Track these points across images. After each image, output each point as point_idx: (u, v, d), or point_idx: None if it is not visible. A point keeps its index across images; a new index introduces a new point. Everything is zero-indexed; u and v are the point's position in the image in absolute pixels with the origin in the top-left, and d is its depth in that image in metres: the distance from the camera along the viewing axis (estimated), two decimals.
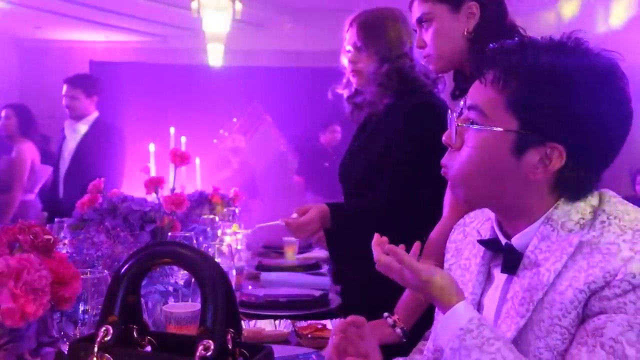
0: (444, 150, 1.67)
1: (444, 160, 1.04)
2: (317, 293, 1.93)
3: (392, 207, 1.81)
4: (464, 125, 0.98)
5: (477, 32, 1.53)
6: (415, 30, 1.63)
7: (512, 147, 0.93)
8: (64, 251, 1.47)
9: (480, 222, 1.12)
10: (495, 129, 0.94)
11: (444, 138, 1.03)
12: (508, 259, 0.99)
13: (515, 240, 0.99)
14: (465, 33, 1.53)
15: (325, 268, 2.57)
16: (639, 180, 5.25)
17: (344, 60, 2.04)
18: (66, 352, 0.73)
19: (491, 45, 0.99)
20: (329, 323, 1.64)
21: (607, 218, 0.93)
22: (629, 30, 5.44)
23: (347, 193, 2.05)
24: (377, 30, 1.94)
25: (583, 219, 0.94)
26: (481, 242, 1.06)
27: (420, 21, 1.58)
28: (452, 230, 1.21)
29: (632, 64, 1.09)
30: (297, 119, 6.78)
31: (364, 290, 1.89)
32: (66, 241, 1.72)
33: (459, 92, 1.72)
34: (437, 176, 1.76)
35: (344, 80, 2.08)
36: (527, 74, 0.92)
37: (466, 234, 1.15)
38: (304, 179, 6.25)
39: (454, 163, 1.01)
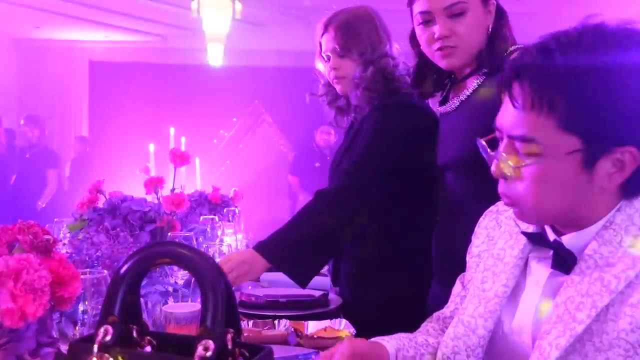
0: (410, 153, 1.65)
1: (502, 190, 0.95)
2: (317, 293, 1.92)
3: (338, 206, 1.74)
4: (523, 162, 0.89)
5: (494, 30, 1.49)
6: (427, 20, 1.51)
7: (580, 165, 0.87)
8: (64, 251, 1.47)
9: None
10: (557, 155, 0.87)
11: (493, 170, 0.94)
12: (559, 256, 0.94)
13: (568, 239, 0.94)
14: (489, 30, 1.49)
15: (325, 268, 2.57)
16: None
17: (320, 66, 1.98)
18: (66, 353, 0.73)
19: (508, 58, 0.94)
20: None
21: None
22: None
23: None
24: (355, 33, 1.85)
25: None
26: (526, 234, 1.00)
27: (449, 10, 1.47)
28: (483, 216, 1.16)
29: None
30: (297, 119, 6.79)
31: (358, 290, 1.90)
32: (66, 241, 1.73)
33: (423, 92, 1.69)
34: (399, 179, 1.76)
35: (321, 85, 2.02)
36: (572, 87, 0.84)
37: (500, 223, 1.10)
38: (298, 179, 6.25)
39: (518, 192, 0.93)
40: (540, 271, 0.98)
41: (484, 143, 0.96)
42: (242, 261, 1.64)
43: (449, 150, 1.55)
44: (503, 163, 0.92)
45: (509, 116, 0.91)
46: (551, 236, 0.97)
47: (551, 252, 0.96)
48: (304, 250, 1.69)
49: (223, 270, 0.69)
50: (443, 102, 1.62)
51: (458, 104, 1.55)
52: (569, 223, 0.94)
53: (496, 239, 1.09)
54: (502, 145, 0.93)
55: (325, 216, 1.73)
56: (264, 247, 1.68)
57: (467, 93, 1.52)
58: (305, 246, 1.69)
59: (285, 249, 1.68)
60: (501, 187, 0.96)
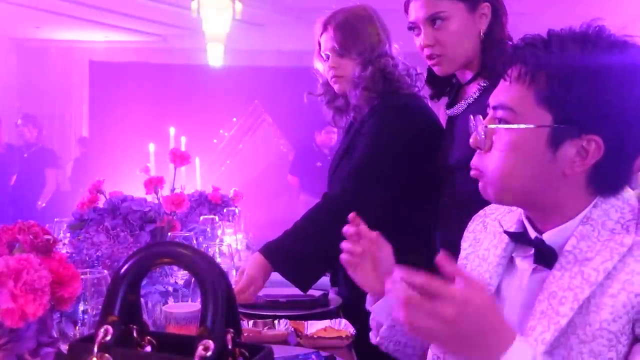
0: (412, 154, 1.66)
1: (474, 163, 1.01)
2: (317, 293, 1.92)
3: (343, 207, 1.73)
4: (495, 125, 0.95)
5: (488, 34, 1.52)
6: (413, 29, 1.58)
7: (547, 142, 0.91)
8: (64, 251, 1.47)
9: (502, 214, 1.10)
10: (527, 125, 0.91)
11: (471, 141, 0.99)
12: (540, 252, 0.95)
13: (548, 236, 0.95)
14: (481, 34, 1.51)
15: None
16: None
17: (318, 65, 1.98)
18: (66, 352, 0.73)
19: (510, 42, 0.99)
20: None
21: None
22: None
23: None
24: (355, 32, 1.84)
25: (623, 218, 0.91)
26: (507, 233, 1.02)
27: (430, 19, 1.52)
28: (472, 220, 1.18)
29: None
30: (297, 119, 6.79)
31: (357, 290, 1.89)
32: (66, 241, 1.72)
33: (436, 93, 1.71)
34: (402, 180, 1.76)
35: (320, 85, 2.01)
36: (555, 67, 0.89)
37: (486, 225, 1.13)
38: (298, 179, 6.25)
39: (487, 165, 0.97)
40: (524, 268, 1.00)
41: (479, 119, 0.99)
42: (252, 276, 1.69)
43: (458, 151, 1.56)
44: (480, 132, 0.97)
45: (499, 90, 0.96)
46: (532, 234, 0.99)
47: (533, 250, 0.97)
48: (313, 261, 1.70)
49: (224, 271, 0.69)
50: (451, 105, 1.64)
51: (466, 106, 1.58)
52: (538, 210, 0.97)
53: (482, 240, 1.11)
54: (487, 118, 0.98)
55: (333, 224, 1.72)
56: (272, 255, 1.71)
57: (475, 96, 1.56)
58: (314, 257, 1.70)
59: (294, 260, 1.70)
60: (474, 160, 1.00)
